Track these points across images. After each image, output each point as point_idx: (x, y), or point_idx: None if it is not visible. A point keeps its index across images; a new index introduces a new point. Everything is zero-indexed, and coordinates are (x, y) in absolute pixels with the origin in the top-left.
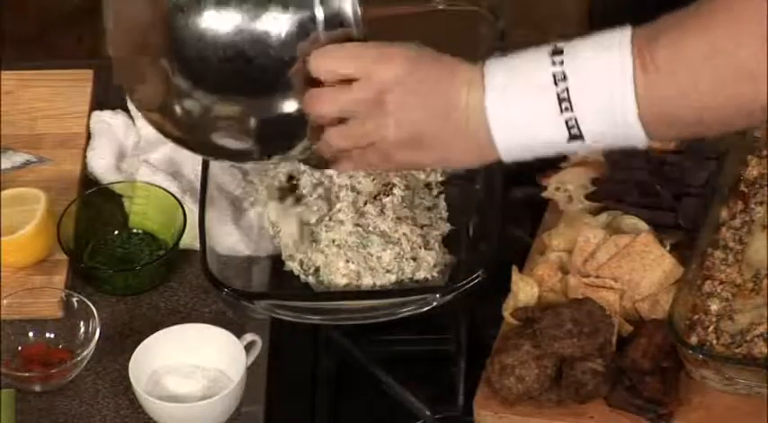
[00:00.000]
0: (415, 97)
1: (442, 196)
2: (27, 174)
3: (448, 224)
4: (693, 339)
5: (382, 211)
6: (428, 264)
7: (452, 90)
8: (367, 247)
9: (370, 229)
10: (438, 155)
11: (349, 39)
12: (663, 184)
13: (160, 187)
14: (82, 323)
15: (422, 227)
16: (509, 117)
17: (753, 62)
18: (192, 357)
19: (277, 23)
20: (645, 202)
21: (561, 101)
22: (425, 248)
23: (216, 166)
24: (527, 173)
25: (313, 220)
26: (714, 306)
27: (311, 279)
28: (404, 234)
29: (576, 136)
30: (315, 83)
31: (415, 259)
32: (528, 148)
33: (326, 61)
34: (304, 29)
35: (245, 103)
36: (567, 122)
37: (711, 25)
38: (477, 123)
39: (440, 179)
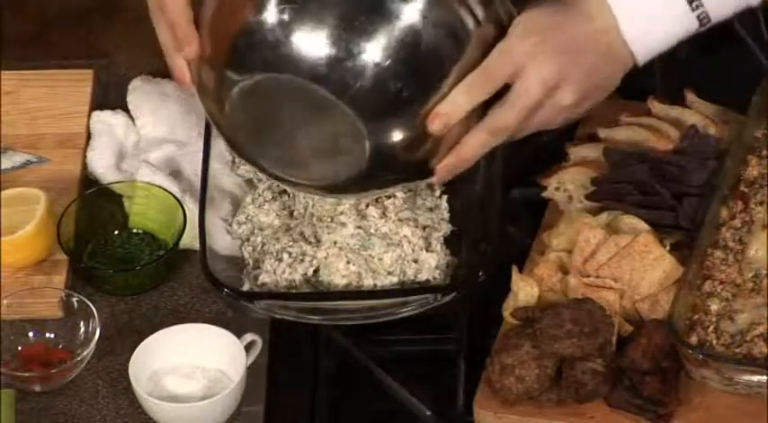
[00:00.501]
0: (571, 68)
1: (445, 197)
2: (27, 174)
3: (449, 225)
4: (693, 339)
5: (384, 214)
6: (430, 266)
7: (590, 35)
8: (368, 249)
9: (372, 231)
10: (599, 94)
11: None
12: (663, 184)
13: (160, 187)
14: (82, 323)
15: (424, 228)
16: (645, 32)
17: None
18: (192, 357)
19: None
20: (645, 202)
21: (691, 2)
22: (427, 250)
23: (216, 167)
24: (527, 173)
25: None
26: (714, 306)
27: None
28: (405, 236)
29: (705, 24)
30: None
31: (416, 261)
32: (662, 49)
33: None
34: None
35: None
36: (698, 17)
37: None
38: (620, 48)
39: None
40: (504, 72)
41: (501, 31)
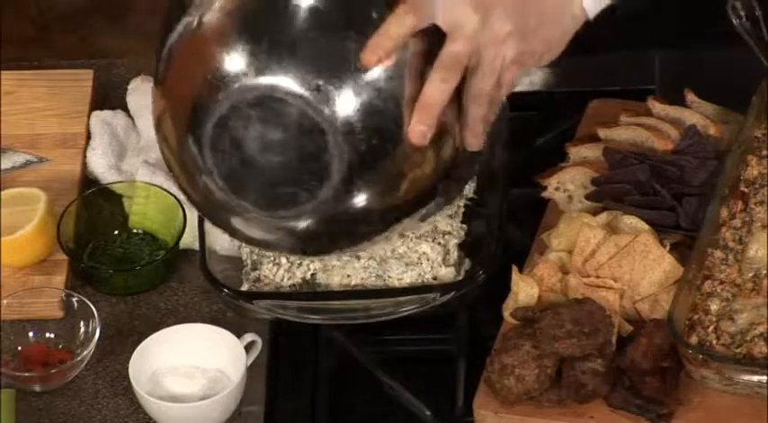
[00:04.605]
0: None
1: (462, 209)
2: (27, 174)
3: (463, 233)
4: (693, 339)
5: (402, 234)
6: (448, 280)
7: None
8: (387, 271)
9: (388, 254)
10: (547, 30)
11: None
12: (663, 184)
13: (160, 187)
14: (82, 323)
15: (443, 235)
16: None
17: None
18: (192, 357)
19: None
20: (645, 202)
21: None
22: (445, 265)
23: None
24: (527, 173)
25: None
26: (714, 306)
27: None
28: (424, 253)
29: None
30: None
31: (435, 279)
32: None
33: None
34: None
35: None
36: None
37: None
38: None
39: (470, 195)
40: (428, 5)
41: None
